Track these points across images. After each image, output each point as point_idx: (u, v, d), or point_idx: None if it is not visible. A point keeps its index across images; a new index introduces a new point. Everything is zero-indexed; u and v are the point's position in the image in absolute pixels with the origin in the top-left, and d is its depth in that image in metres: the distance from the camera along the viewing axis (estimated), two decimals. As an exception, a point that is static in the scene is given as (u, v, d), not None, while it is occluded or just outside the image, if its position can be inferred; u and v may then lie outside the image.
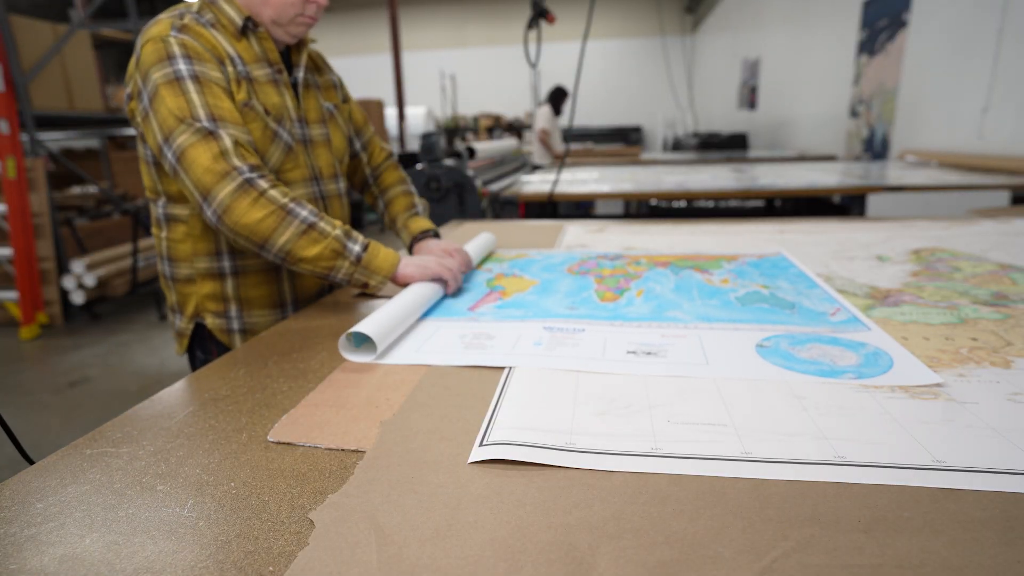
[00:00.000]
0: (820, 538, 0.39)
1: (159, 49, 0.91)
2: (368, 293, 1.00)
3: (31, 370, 3.20)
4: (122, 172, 5.52)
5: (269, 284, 1.07)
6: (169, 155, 0.90)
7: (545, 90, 5.89)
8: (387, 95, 8.05)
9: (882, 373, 0.63)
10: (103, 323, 3.92)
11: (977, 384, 0.60)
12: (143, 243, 4.35)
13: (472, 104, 11.65)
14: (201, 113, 0.89)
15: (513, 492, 0.45)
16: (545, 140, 5.47)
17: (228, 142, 0.89)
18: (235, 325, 1.06)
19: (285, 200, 0.89)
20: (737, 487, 0.45)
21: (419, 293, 0.89)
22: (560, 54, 6.61)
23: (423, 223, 1.22)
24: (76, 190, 5.19)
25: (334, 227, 0.92)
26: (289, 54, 1.07)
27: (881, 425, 0.53)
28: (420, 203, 1.28)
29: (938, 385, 0.60)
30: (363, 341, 0.77)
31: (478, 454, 0.50)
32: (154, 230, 1.07)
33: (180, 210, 1.02)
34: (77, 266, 3.86)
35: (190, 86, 0.90)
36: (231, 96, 0.95)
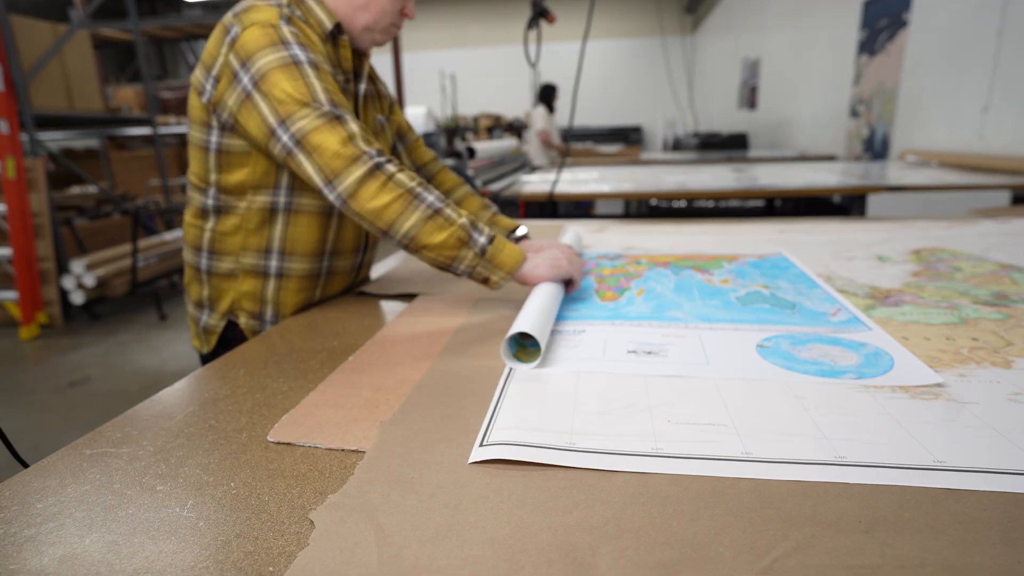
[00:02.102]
0: (821, 538, 0.39)
1: (270, 33, 0.89)
2: (490, 288, 0.92)
3: (31, 370, 3.20)
4: (122, 172, 5.53)
5: (307, 291, 1.04)
6: (286, 138, 0.87)
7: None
8: (387, 95, 8.04)
9: (883, 373, 0.63)
10: (103, 323, 3.92)
11: (977, 384, 0.60)
12: (143, 243, 4.35)
13: (472, 104, 11.64)
14: (323, 97, 0.87)
15: (513, 492, 0.45)
16: (547, 140, 5.47)
17: (354, 126, 0.87)
18: (266, 329, 1.03)
19: (413, 184, 0.87)
20: (737, 487, 0.45)
21: (555, 295, 0.84)
22: (560, 54, 6.61)
23: (510, 220, 1.17)
24: (76, 190, 5.19)
25: (460, 215, 0.88)
26: (352, 63, 1.05)
27: (881, 425, 0.53)
28: (494, 205, 1.23)
29: (938, 385, 0.60)
30: (515, 348, 0.72)
31: (478, 454, 0.50)
32: (192, 219, 1.03)
33: (236, 201, 0.99)
34: (77, 266, 3.86)
35: (309, 71, 0.88)
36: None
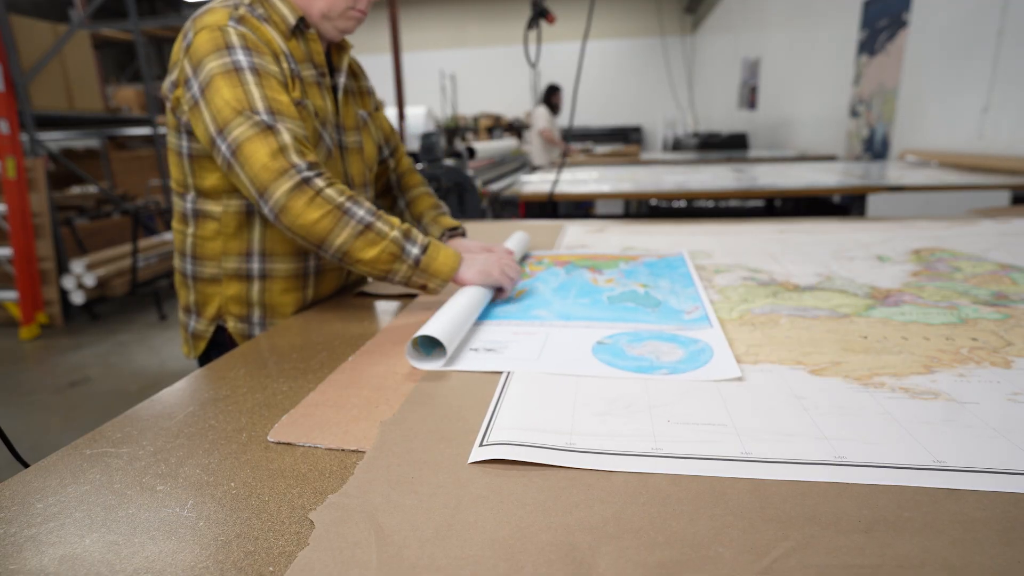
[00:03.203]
0: (820, 538, 0.39)
1: (216, 38, 0.88)
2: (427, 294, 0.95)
3: (31, 370, 3.20)
4: (122, 172, 5.53)
5: (295, 291, 1.03)
6: (223, 147, 0.86)
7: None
8: (387, 95, 8.04)
9: (694, 369, 0.67)
10: (103, 323, 3.92)
11: (977, 384, 0.60)
12: (143, 243, 4.35)
13: (472, 104, 11.64)
14: (260, 105, 0.86)
15: (513, 492, 0.45)
16: (550, 138, 5.48)
17: (287, 137, 0.86)
18: (256, 331, 1.02)
19: (342, 199, 0.86)
20: (737, 487, 0.45)
21: (476, 299, 0.86)
22: (560, 54, 6.61)
23: (452, 220, 1.20)
24: (76, 190, 5.19)
25: (392, 227, 0.88)
26: (330, 58, 1.05)
27: (881, 425, 0.53)
28: (443, 204, 1.26)
29: (738, 379, 0.63)
30: (428, 348, 0.73)
31: (478, 454, 0.50)
32: (177, 225, 1.03)
33: (212, 206, 0.98)
34: (77, 266, 3.86)
35: (249, 77, 0.87)
36: (288, 92, 0.92)
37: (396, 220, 0.90)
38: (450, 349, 0.71)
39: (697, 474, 0.47)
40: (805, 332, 0.77)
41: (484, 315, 0.88)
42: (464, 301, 0.83)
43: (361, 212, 0.87)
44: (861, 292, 0.93)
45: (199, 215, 1.00)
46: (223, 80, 0.86)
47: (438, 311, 0.78)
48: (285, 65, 0.93)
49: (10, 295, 3.77)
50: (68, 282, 3.84)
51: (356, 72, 1.13)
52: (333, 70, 1.05)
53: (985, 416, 0.54)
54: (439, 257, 0.90)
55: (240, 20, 0.91)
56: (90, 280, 3.85)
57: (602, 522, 0.42)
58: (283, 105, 0.89)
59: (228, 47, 0.87)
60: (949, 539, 0.39)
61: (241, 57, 0.87)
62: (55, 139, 5.44)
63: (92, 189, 4.94)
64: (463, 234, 1.20)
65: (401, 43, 6.10)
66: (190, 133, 0.94)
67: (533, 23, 1.94)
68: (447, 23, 11.87)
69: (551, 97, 5.64)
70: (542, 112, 5.59)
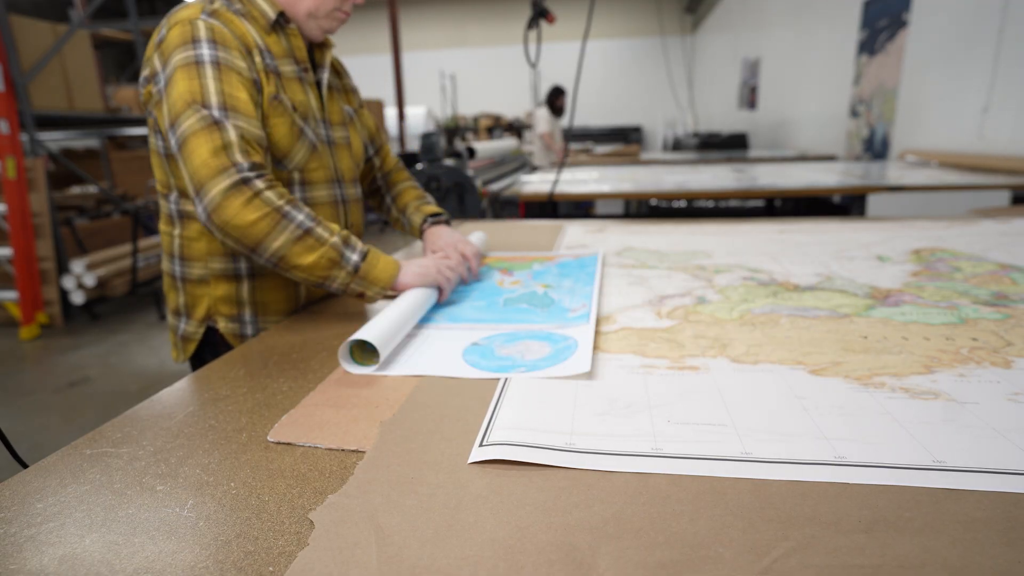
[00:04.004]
0: (820, 538, 0.39)
1: (185, 32, 0.87)
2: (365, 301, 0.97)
3: (31, 370, 3.20)
4: (122, 172, 5.52)
5: (286, 287, 1.02)
6: (173, 141, 0.85)
7: (545, 90, 5.89)
8: (387, 95, 8.05)
9: (551, 366, 0.69)
10: (103, 323, 3.92)
11: (977, 384, 0.60)
12: (143, 243, 4.35)
13: (472, 104, 11.64)
14: (213, 100, 0.84)
15: (513, 492, 0.45)
16: (549, 142, 5.46)
17: (233, 135, 0.84)
18: (248, 330, 1.01)
19: (281, 203, 0.84)
20: (737, 487, 0.45)
21: (417, 301, 0.87)
22: (560, 54, 6.61)
23: (434, 207, 1.20)
24: (76, 190, 5.19)
25: (332, 233, 0.87)
26: (312, 54, 1.04)
27: (881, 425, 0.53)
28: (429, 197, 1.26)
29: (587, 375, 0.65)
30: (364, 352, 0.74)
31: (478, 454, 0.50)
32: (163, 227, 1.02)
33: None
34: (77, 266, 3.86)
35: (208, 71, 0.85)
36: (254, 89, 0.90)
37: (336, 227, 0.89)
38: (384, 355, 0.71)
39: (697, 474, 0.47)
40: (805, 332, 0.77)
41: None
42: (404, 305, 0.83)
43: (300, 216, 0.85)
44: (861, 292, 0.93)
45: (183, 216, 0.98)
46: (182, 72, 0.85)
47: (377, 315, 0.79)
48: (259, 60, 0.92)
49: (10, 295, 3.76)
50: (68, 282, 3.84)
51: (339, 70, 1.13)
52: (316, 66, 1.04)
53: (985, 416, 0.54)
54: (379, 264, 0.89)
55: (212, 14, 0.90)
56: (90, 280, 3.85)
57: (602, 522, 0.42)
58: (239, 102, 0.87)
59: (194, 40, 0.87)
60: (949, 539, 0.39)
61: (205, 51, 0.87)
62: (55, 139, 5.44)
63: (92, 189, 4.94)
64: (447, 222, 1.19)
65: (401, 43, 6.11)
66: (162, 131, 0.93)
67: (533, 23, 1.94)
68: (447, 23, 11.88)
69: (555, 100, 5.61)
70: (543, 114, 5.57)
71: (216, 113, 0.84)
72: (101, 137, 5.26)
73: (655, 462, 0.48)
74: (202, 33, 0.87)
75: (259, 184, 0.84)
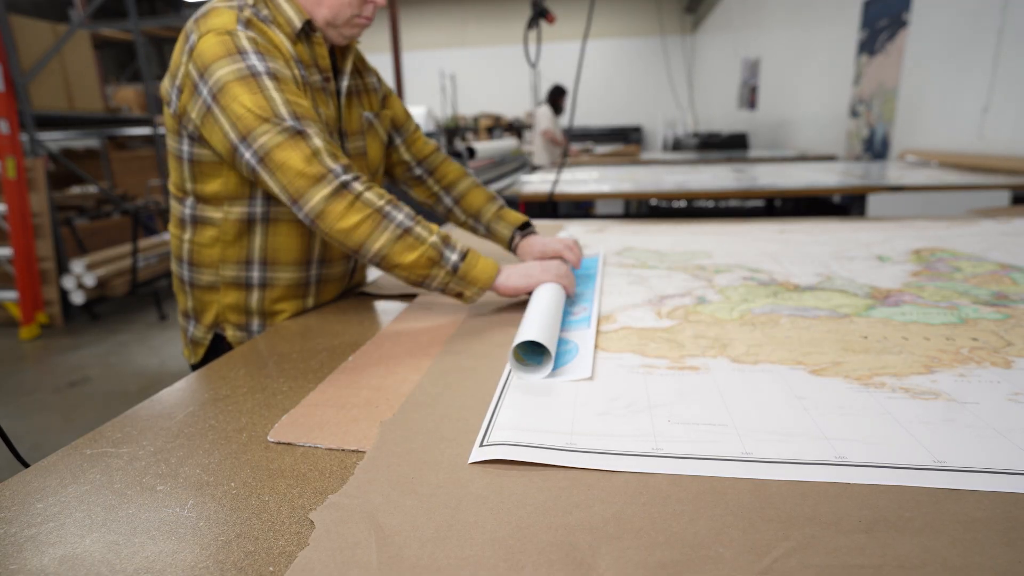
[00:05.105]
0: (821, 538, 0.39)
1: (225, 42, 0.85)
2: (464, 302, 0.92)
3: (31, 370, 3.20)
4: (122, 172, 5.52)
5: (296, 299, 1.01)
6: (248, 155, 0.84)
7: (545, 90, 5.90)
8: (387, 95, 8.04)
9: (553, 370, 0.68)
10: (103, 323, 3.92)
11: (977, 384, 0.60)
12: (143, 243, 4.35)
13: (472, 104, 11.64)
14: (284, 111, 0.84)
15: (513, 492, 0.45)
16: (552, 138, 5.47)
17: (318, 141, 0.84)
18: None
19: (382, 203, 0.85)
20: (737, 487, 0.45)
21: (554, 301, 0.83)
22: (560, 54, 6.61)
23: (518, 215, 1.15)
24: (76, 190, 5.19)
25: (431, 232, 0.87)
26: (334, 59, 1.02)
27: (881, 425, 0.53)
28: (499, 197, 1.20)
29: (588, 379, 0.65)
30: (530, 356, 0.70)
31: (478, 454, 0.50)
32: (174, 230, 1.01)
33: (212, 212, 0.96)
34: (77, 266, 3.86)
35: (268, 83, 0.84)
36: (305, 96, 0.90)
37: (435, 226, 0.89)
38: (552, 354, 0.68)
39: (697, 474, 0.47)
40: (805, 332, 0.77)
41: None
42: (542, 304, 0.80)
43: (400, 216, 0.86)
44: (861, 292, 0.93)
45: (197, 221, 0.97)
46: (240, 86, 0.83)
47: (526, 316, 0.76)
48: (295, 71, 0.91)
49: (10, 295, 3.76)
50: (68, 282, 3.84)
51: (360, 69, 1.09)
52: (337, 72, 1.02)
53: (985, 416, 0.54)
54: (478, 264, 0.89)
55: (248, 23, 0.88)
56: (90, 280, 3.85)
57: (602, 522, 0.42)
58: (305, 109, 0.87)
59: (240, 51, 0.85)
60: (950, 539, 0.39)
61: (256, 62, 0.85)
62: (55, 139, 5.44)
63: (92, 189, 4.94)
64: (534, 231, 1.14)
65: (401, 43, 6.10)
66: (193, 138, 0.91)
67: (533, 23, 1.94)
68: (447, 23, 11.87)
69: (557, 98, 5.62)
70: (545, 112, 5.57)
71: (292, 123, 0.84)
72: (101, 137, 5.26)
73: (655, 462, 0.48)
74: (246, 44, 0.86)
75: (358, 187, 0.85)
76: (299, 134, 0.84)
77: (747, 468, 0.47)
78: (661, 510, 0.43)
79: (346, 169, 0.85)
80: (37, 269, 3.75)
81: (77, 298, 3.87)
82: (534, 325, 0.71)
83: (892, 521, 0.40)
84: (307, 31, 0.95)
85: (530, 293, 0.89)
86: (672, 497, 0.44)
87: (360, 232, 0.84)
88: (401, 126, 1.17)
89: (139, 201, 4.89)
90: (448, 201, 1.18)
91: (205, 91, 0.85)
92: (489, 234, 1.17)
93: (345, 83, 1.01)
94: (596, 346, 0.75)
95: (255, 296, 0.99)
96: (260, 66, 0.85)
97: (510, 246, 1.15)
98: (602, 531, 0.41)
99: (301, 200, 0.84)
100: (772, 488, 0.45)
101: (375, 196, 0.85)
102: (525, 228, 1.14)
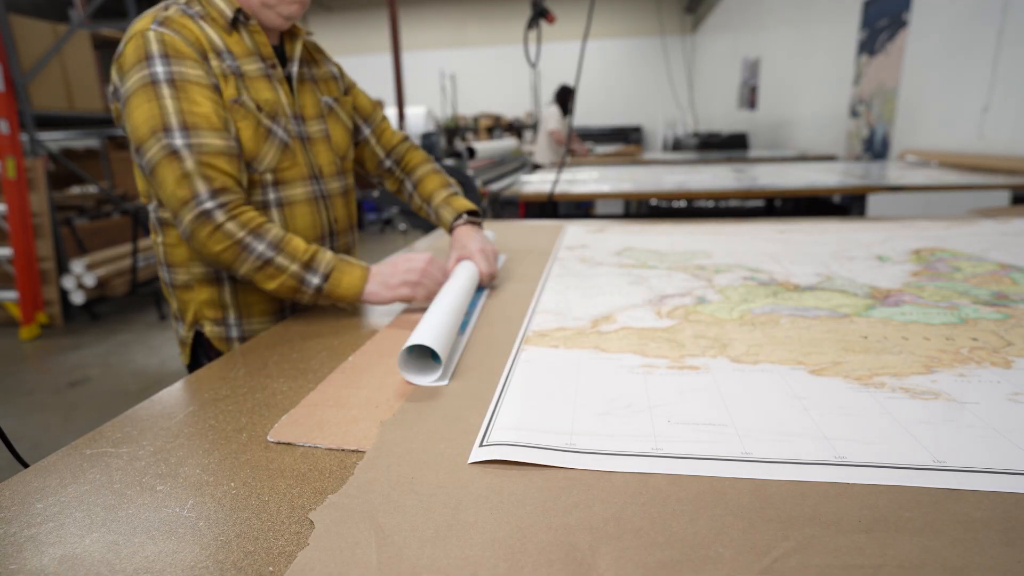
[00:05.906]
0: (821, 538, 0.39)
1: (139, 47, 0.87)
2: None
3: (31, 370, 3.20)
4: (122, 172, 5.52)
5: None
6: (143, 164, 0.89)
7: (545, 90, 5.91)
8: (387, 95, 8.05)
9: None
10: (103, 323, 3.92)
11: (977, 384, 0.60)
12: (143, 243, 4.35)
13: (472, 104, 11.65)
14: (173, 122, 0.85)
15: (513, 492, 0.45)
16: (560, 139, 5.46)
17: (190, 163, 0.85)
18: (234, 333, 1.02)
19: (242, 234, 0.87)
20: (737, 487, 0.45)
21: (459, 299, 0.84)
22: (560, 54, 6.61)
23: (465, 203, 1.15)
24: (76, 190, 5.19)
25: (293, 260, 0.89)
26: (283, 48, 1.02)
27: (881, 425, 0.53)
28: (455, 184, 1.20)
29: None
30: (421, 359, 0.70)
31: (478, 454, 0.50)
32: (152, 235, 1.04)
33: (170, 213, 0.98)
34: (77, 266, 3.86)
35: (164, 90, 0.86)
36: (216, 95, 0.90)
37: (302, 246, 0.90)
38: (444, 361, 0.68)
39: (697, 474, 0.47)
40: (805, 332, 0.77)
41: None
42: (446, 304, 0.81)
43: (260, 247, 0.88)
44: (861, 292, 0.93)
45: (163, 223, 1.00)
46: (140, 95, 0.87)
47: (424, 316, 0.76)
48: (217, 63, 0.91)
49: (10, 295, 3.77)
50: (68, 282, 3.84)
51: (315, 58, 1.09)
52: (285, 60, 1.02)
53: (985, 416, 0.54)
54: (343, 283, 0.91)
55: (163, 22, 0.89)
56: (90, 280, 3.85)
57: (602, 522, 0.42)
58: (200, 117, 0.87)
59: (147, 57, 0.87)
60: (949, 539, 0.39)
61: (159, 68, 0.87)
62: (55, 139, 5.44)
63: (92, 189, 4.94)
64: (479, 221, 1.13)
65: (401, 43, 6.11)
66: None
67: (533, 23, 1.94)
68: (447, 23, 11.87)
69: (566, 99, 5.61)
70: (554, 112, 5.56)
71: (177, 139, 0.86)
72: (101, 137, 5.26)
73: (655, 462, 0.48)
74: (154, 48, 0.87)
75: (219, 216, 0.87)
76: (174, 153, 0.86)
77: (747, 468, 0.47)
78: (661, 510, 0.43)
79: (214, 193, 0.87)
80: (37, 269, 3.75)
81: (77, 298, 3.87)
82: (428, 329, 0.70)
83: (892, 521, 0.40)
84: (240, 20, 0.95)
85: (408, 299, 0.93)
86: (672, 497, 0.44)
87: (224, 259, 0.89)
88: (368, 116, 1.18)
89: (139, 201, 4.89)
90: (408, 186, 1.21)
91: (122, 97, 0.89)
92: (437, 219, 1.17)
93: (295, 69, 1.02)
94: (596, 343, 0.75)
95: (227, 289, 1.02)
96: (162, 72, 0.87)
97: (451, 231, 1.14)
98: (602, 531, 0.41)
99: (176, 218, 0.89)
100: (772, 488, 0.45)
101: (236, 226, 0.87)
102: (472, 215, 1.13)
